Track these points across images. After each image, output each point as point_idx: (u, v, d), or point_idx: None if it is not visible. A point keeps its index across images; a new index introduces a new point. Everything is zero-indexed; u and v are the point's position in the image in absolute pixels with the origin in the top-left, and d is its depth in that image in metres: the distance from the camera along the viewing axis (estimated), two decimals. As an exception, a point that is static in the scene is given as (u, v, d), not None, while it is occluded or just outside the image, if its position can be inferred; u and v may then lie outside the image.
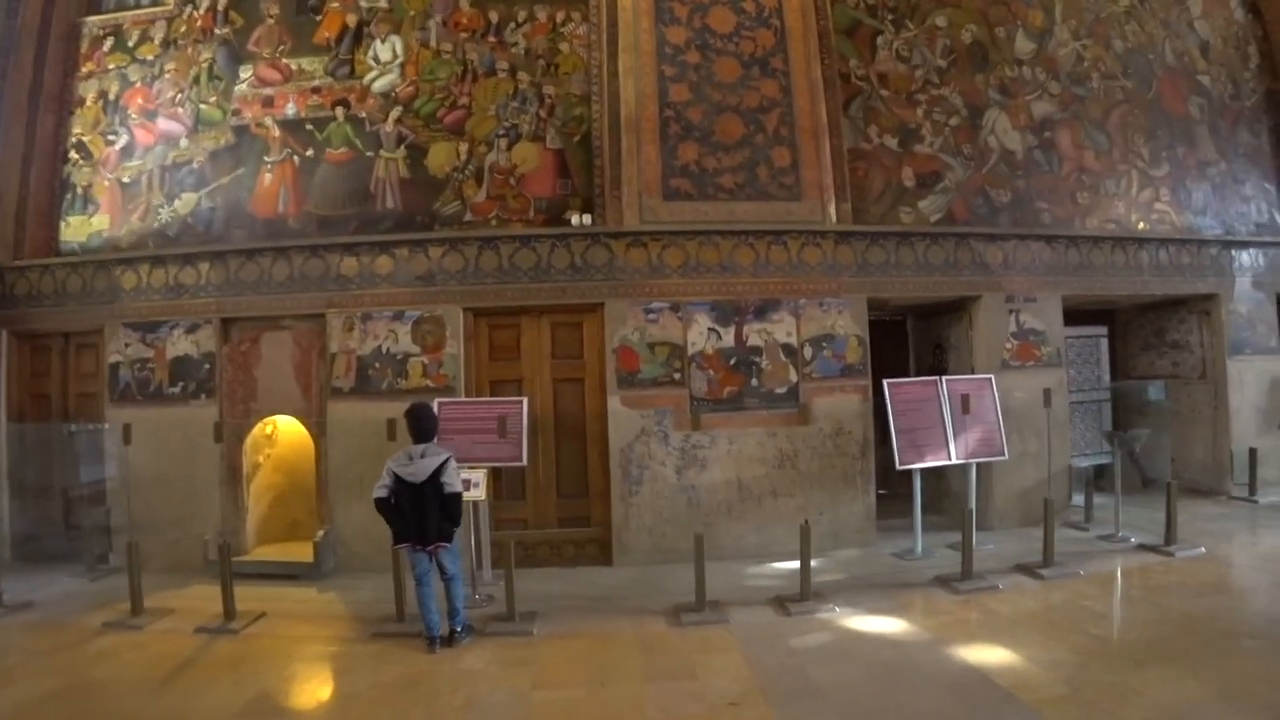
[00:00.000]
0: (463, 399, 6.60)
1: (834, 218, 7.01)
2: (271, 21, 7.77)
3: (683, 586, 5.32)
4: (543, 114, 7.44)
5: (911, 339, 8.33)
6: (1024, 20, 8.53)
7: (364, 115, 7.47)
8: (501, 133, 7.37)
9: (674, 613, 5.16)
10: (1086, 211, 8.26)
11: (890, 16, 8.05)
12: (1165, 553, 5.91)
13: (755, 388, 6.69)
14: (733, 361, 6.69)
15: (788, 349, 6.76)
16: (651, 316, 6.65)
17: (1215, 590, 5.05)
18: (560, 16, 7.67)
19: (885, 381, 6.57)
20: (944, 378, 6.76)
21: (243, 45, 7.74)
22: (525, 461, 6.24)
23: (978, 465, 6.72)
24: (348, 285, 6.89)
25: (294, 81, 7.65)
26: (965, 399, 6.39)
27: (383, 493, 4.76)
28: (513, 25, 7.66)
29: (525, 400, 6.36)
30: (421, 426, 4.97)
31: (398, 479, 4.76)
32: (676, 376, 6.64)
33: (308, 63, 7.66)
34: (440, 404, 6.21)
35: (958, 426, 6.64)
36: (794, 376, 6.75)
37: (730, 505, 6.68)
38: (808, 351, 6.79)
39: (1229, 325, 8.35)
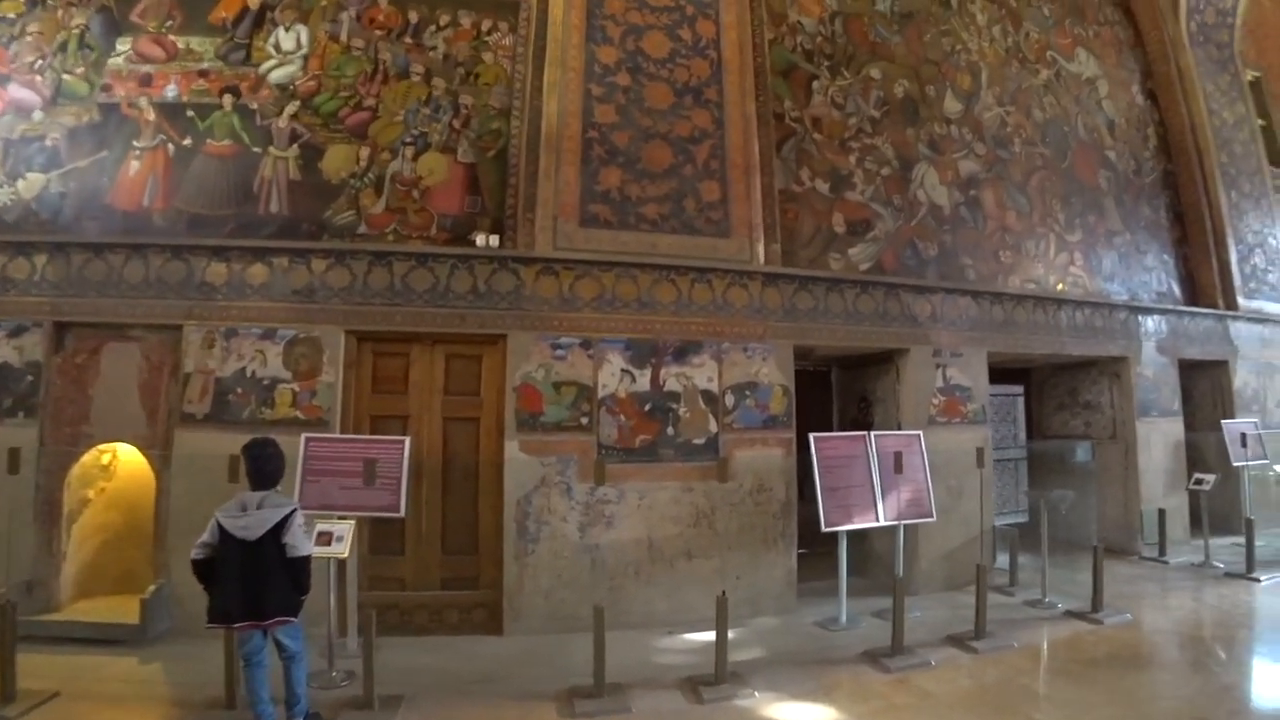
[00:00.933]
0: (336, 435, 5.34)
1: (762, 258, 6.21)
2: (160, -7, 6.48)
3: (581, 662, 4.34)
4: (456, 124, 6.40)
5: (836, 391, 7.57)
6: (953, 81, 8.17)
7: (255, 107, 6.24)
8: (408, 140, 6.28)
9: (567, 699, 4.06)
10: (1008, 270, 7.81)
11: (826, 63, 7.49)
12: (1094, 620, 5.43)
13: (671, 437, 5.71)
14: (647, 407, 5.70)
15: (708, 396, 5.83)
16: (559, 353, 5.61)
17: (1151, 663, 4.72)
18: (486, 24, 6.71)
19: (811, 435, 5.72)
20: (872, 433, 5.97)
21: (124, 15, 6.40)
22: (404, 512, 5.03)
23: (904, 527, 5.93)
24: (213, 294, 5.56)
25: (179, 61, 6.35)
26: (898, 457, 5.60)
27: (201, 553, 3.51)
28: (433, 28, 6.65)
29: (408, 441, 5.16)
30: (261, 468, 3.74)
31: (224, 535, 3.51)
32: (584, 421, 5.59)
33: (198, 43, 6.39)
34: (308, 440, 4.98)
35: (887, 485, 5.85)
36: (714, 426, 5.81)
37: (639, 567, 5.61)
38: (729, 400, 5.88)
39: (1137, 388, 8.01)
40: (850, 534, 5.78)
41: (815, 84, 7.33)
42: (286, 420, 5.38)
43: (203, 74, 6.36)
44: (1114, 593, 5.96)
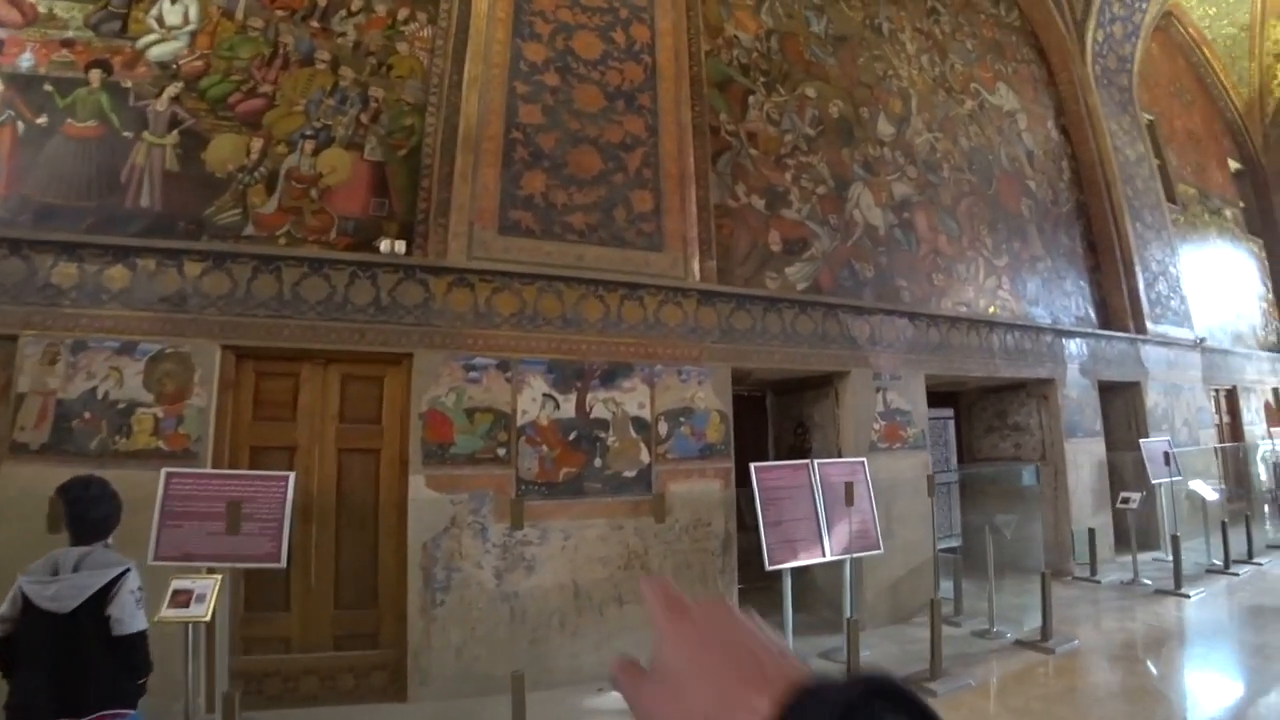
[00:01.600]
0: (205, 471, 4.33)
1: (698, 275, 5.60)
2: (22, -46, 5.36)
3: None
4: (364, 119, 5.54)
5: (771, 417, 7.03)
6: (885, 105, 7.91)
7: (129, 85, 5.20)
8: (309, 133, 5.37)
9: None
10: (941, 293, 7.52)
11: (763, 79, 7.05)
12: (1045, 649, 5.18)
13: (599, 469, 4.96)
14: (573, 436, 4.95)
15: (639, 423, 5.13)
16: (473, 375, 4.80)
17: (1112, 695, 4.44)
18: (403, 13, 5.91)
19: (753, 466, 5.09)
20: (815, 461, 5.41)
21: None
22: (284, 562, 4.08)
23: (851, 560, 5.37)
24: (59, 300, 4.47)
25: (38, 26, 5.23)
26: (849, 487, 5.04)
27: None
28: (344, 13, 5.79)
29: (292, 477, 4.21)
30: (83, 515, 2.79)
31: (28, 605, 2.56)
32: (501, 453, 4.77)
33: (64, 8, 5.29)
34: (169, 476, 3.98)
35: (833, 517, 5.28)
36: (646, 457, 5.11)
37: (564, 617, 4.81)
38: (663, 427, 5.20)
39: (1064, 409, 7.85)
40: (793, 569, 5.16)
41: (751, 99, 6.86)
42: (146, 451, 4.36)
43: (67, 44, 5.27)
44: (1056, 616, 5.64)
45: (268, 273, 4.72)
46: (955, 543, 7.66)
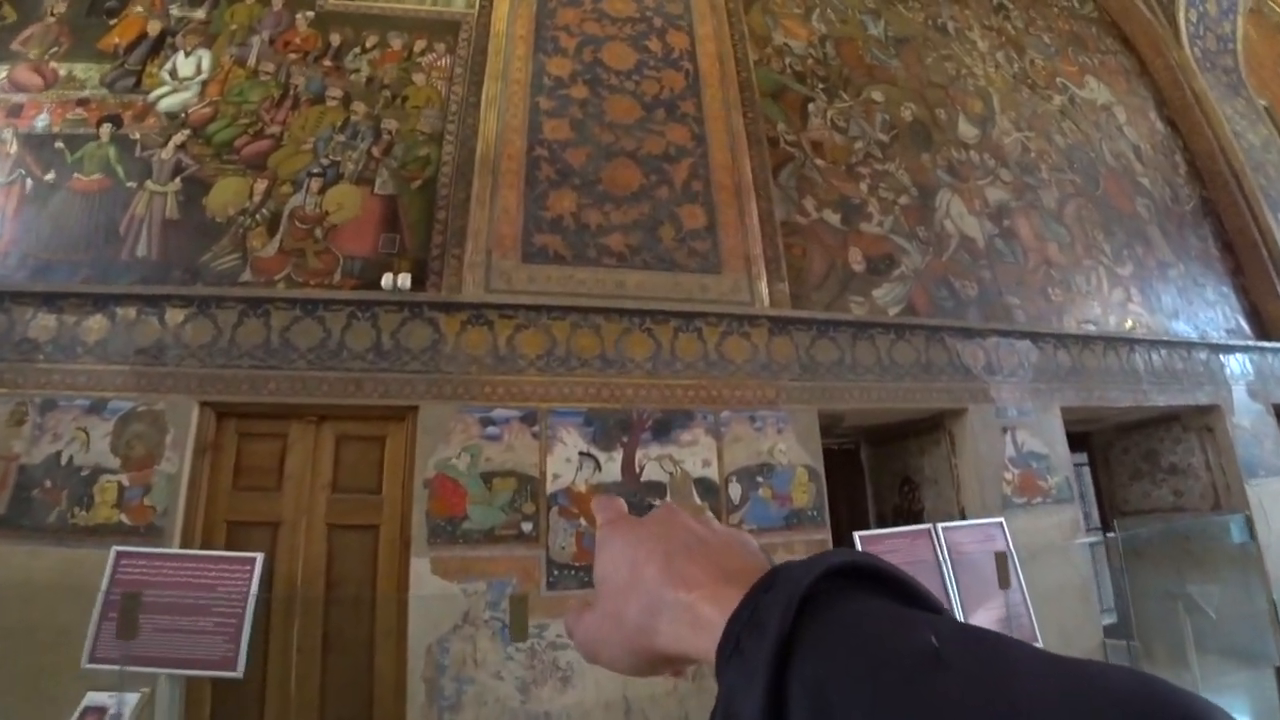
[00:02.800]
0: (158, 550, 3.28)
1: (766, 299, 4.32)
2: (53, 20, 5.04)
3: None
4: (376, 152, 4.71)
5: (868, 473, 5.47)
6: (963, 106, 6.59)
7: (137, 137, 4.62)
8: (316, 170, 4.58)
9: None
10: (1061, 309, 5.89)
11: (821, 85, 5.91)
12: None
13: None
14: None
15: (705, 486, 3.78)
16: (491, 431, 3.62)
17: None
18: (420, 45, 5.17)
19: (856, 536, 3.62)
20: (939, 526, 3.86)
21: (5, 43, 4.93)
22: (241, 670, 2.91)
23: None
24: (33, 354, 3.69)
25: (57, 89, 4.81)
26: (1001, 560, 3.48)
27: None
28: (358, 50, 5.11)
29: (259, 560, 3.11)
30: None
31: None
32: (526, 528, 3.51)
33: (82, 69, 4.89)
34: (118, 557, 2.97)
35: (969, 601, 3.68)
36: None
37: (613, 749, 3.37)
38: (735, 490, 3.81)
39: (1237, 442, 5.88)
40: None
41: (811, 106, 5.70)
42: (106, 526, 3.45)
43: (81, 103, 4.81)
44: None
45: (255, 317, 3.78)
46: (1108, 619, 5.69)
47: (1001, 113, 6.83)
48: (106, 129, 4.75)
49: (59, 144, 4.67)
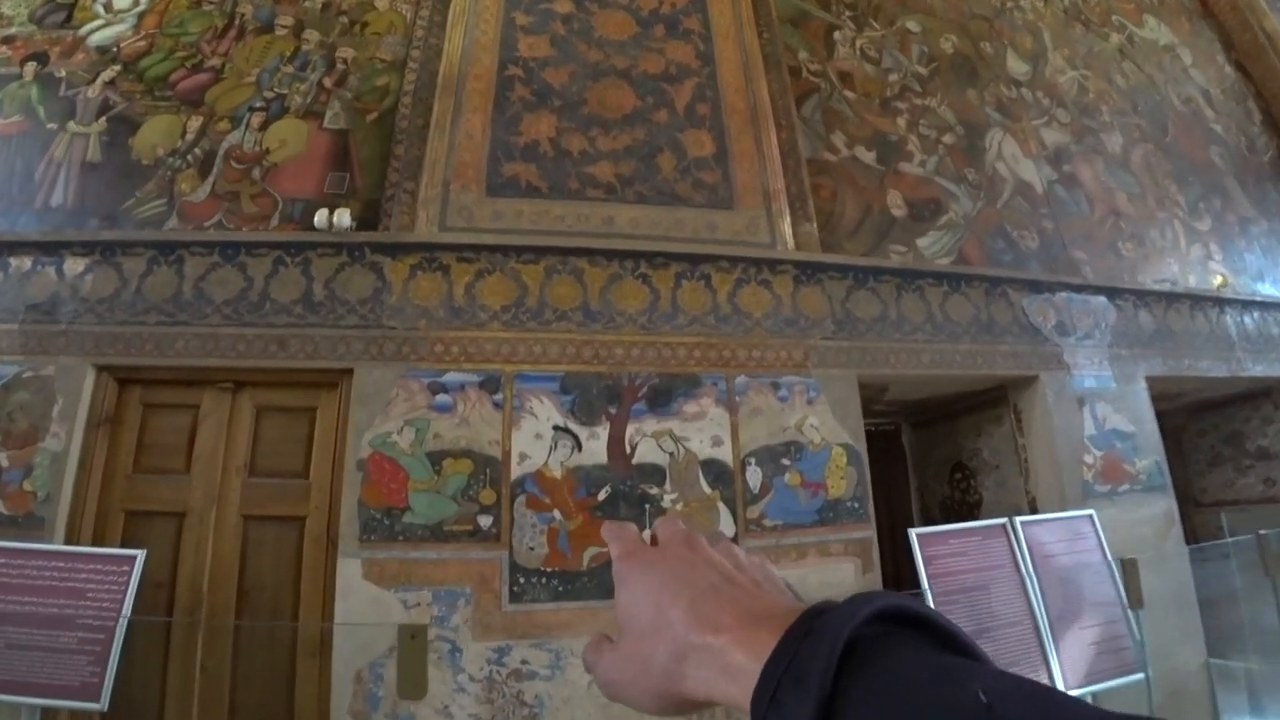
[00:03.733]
0: (17, 545, 2.43)
1: (790, 241, 3.32)
2: (-26, -40, 4.25)
3: None
4: (328, 83, 3.84)
5: (912, 458, 4.43)
6: (1011, 41, 5.50)
7: (63, 75, 3.85)
8: (258, 105, 3.72)
9: None
10: (1134, 266, 4.79)
11: (849, 13, 4.88)
12: None
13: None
14: (603, 495, 2.70)
15: (715, 470, 2.82)
16: (442, 400, 2.71)
17: None
18: (384, -29, 4.25)
19: (913, 533, 2.64)
20: (1018, 521, 2.86)
21: None
22: (104, 700, 2.06)
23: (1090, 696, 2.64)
24: None
25: None
26: (1133, 571, 2.49)
27: None
28: (314, -22, 4.22)
29: (140, 558, 2.26)
30: None
31: None
32: (485, 523, 2.60)
33: (10, 5, 4.16)
34: None
35: (1057, 616, 2.70)
36: (726, 524, 2.75)
37: (597, 809, 2.43)
38: (754, 475, 2.85)
39: (1347, 428, 4.74)
40: None
41: (837, 35, 4.69)
42: None
43: (7, 40, 4.04)
44: None
45: (167, 265, 2.95)
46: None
47: (1054, 49, 5.73)
48: (31, 67, 3.97)
49: (-21, 87, 3.91)
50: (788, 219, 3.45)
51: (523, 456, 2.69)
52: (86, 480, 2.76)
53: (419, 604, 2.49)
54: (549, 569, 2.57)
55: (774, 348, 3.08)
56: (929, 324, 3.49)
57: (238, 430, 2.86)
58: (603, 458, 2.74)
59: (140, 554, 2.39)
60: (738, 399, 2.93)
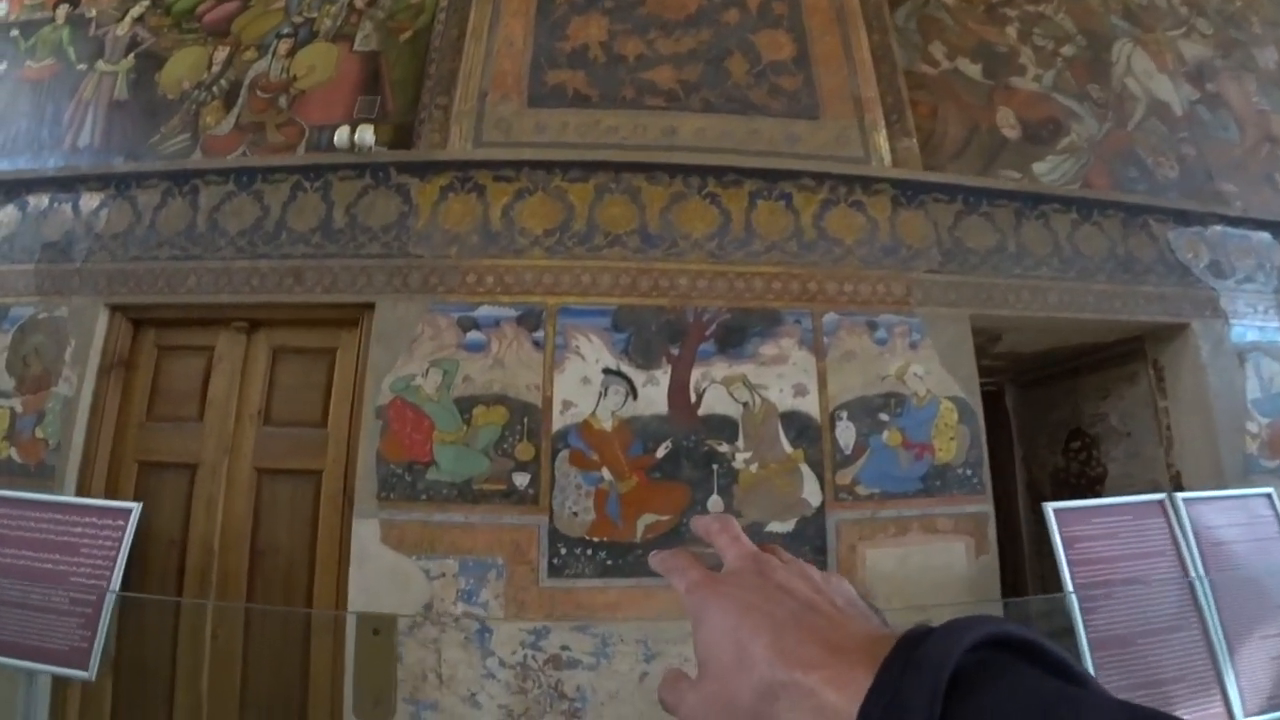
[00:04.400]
0: (19, 495, 2.11)
1: (887, 156, 2.63)
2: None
3: None
4: (360, 3, 3.35)
5: (1016, 424, 3.67)
6: (1137, -57, 4.45)
7: (93, 15, 3.56)
8: (286, 32, 3.29)
9: None
10: (1297, 204, 3.79)
11: (942, -88, 3.99)
12: None
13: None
14: (663, 451, 2.15)
15: (798, 424, 2.22)
16: (474, 338, 2.21)
17: None
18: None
19: (1050, 507, 1.97)
20: (1180, 497, 2.14)
21: None
22: (92, 670, 1.70)
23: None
24: None
25: None
26: None
27: None
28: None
29: (136, 511, 1.88)
30: None
31: None
32: (520, 482, 2.09)
33: None
34: None
35: (1231, 624, 1.98)
36: (813, 492, 2.15)
37: (652, 819, 1.94)
38: (845, 432, 2.24)
39: None
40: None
41: (930, -64, 3.80)
42: None
43: (40, -15, 3.72)
44: None
45: (180, 197, 2.57)
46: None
47: (1190, -47, 4.64)
48: (63, 10, 3.71)
49: (14, 33, 3.68)
50: (883, 131, 2.76)
51: (566, 405, 2.17)
52: (98, 428, 2.44)
53: (443, 574, 2.03)
54: (595, 539, 2.06)
55: (869, 280, 2.43)
56: (1055, 258, 2.75)
57: (252, 374, 2.46)
58: (662, 407, 2.19)
59: (135, 507, 2.03)
60: (826, 340, 2.31)
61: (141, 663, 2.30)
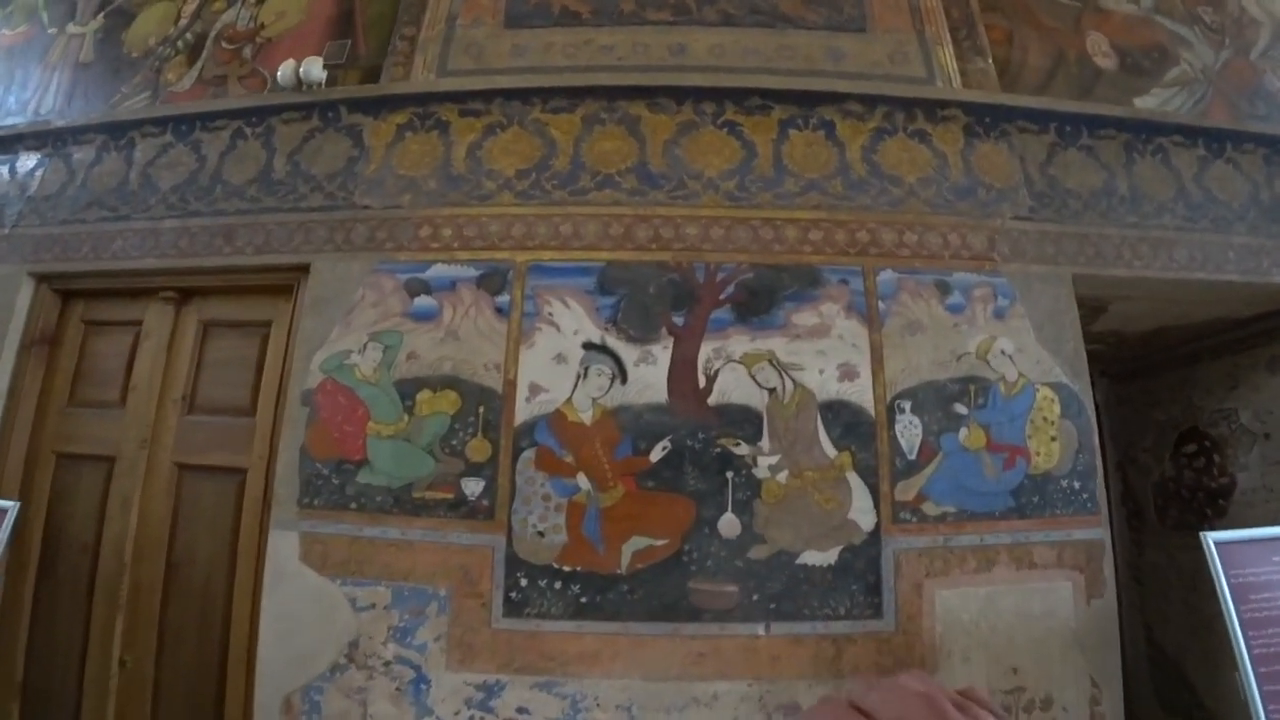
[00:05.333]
0: None
1: (956, 77, 1.91)
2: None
3: None
4: (337, -59, 2.82)
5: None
6: None
7: None
8: (258, -22, 2.79)
9: None
10: None
11: None
12: None
13: (733, 543, 1.43)
14: (658, 452, 1.51)
15: (844, 416, 1.55)
16: (423, 304, 1.63)
17: None
18: None
19: (1209, 537, 1.23)
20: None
21: None
22: None
23: None
24: None
25: None
26: None
27: None
28: None
29: (12, 510, 1.37)
30: None
31: None
32: (472, 489, 1.50)
33: None
34: None
35: None
36: (863, 513, 1.47)
37: None
38: (907, 428, 1.56)
39: None
40: None
41: None
42: None
43: (22, -47, 3.34)
44: None
45: (116, 151, 2.07)
46: None
47: None
48: (42, -27, 3.28)
49: (-2, -1, 3.29)
50: (949, 48, 2.06)
51: (535, 389, 1.57)
52: (15, 412, 1.97)
53: (373, 605, 1.47)
54: (567, 567, 1.46)
55: (939, 229, 1.75)
56: (1180, 202, 2.00)
57: (179, 353, 1.97)
58: (661, 394, 1.57)
59: (12, 506, 1.55)
60: (882, 306, 1.64)
61: (47, 691, 1.83)
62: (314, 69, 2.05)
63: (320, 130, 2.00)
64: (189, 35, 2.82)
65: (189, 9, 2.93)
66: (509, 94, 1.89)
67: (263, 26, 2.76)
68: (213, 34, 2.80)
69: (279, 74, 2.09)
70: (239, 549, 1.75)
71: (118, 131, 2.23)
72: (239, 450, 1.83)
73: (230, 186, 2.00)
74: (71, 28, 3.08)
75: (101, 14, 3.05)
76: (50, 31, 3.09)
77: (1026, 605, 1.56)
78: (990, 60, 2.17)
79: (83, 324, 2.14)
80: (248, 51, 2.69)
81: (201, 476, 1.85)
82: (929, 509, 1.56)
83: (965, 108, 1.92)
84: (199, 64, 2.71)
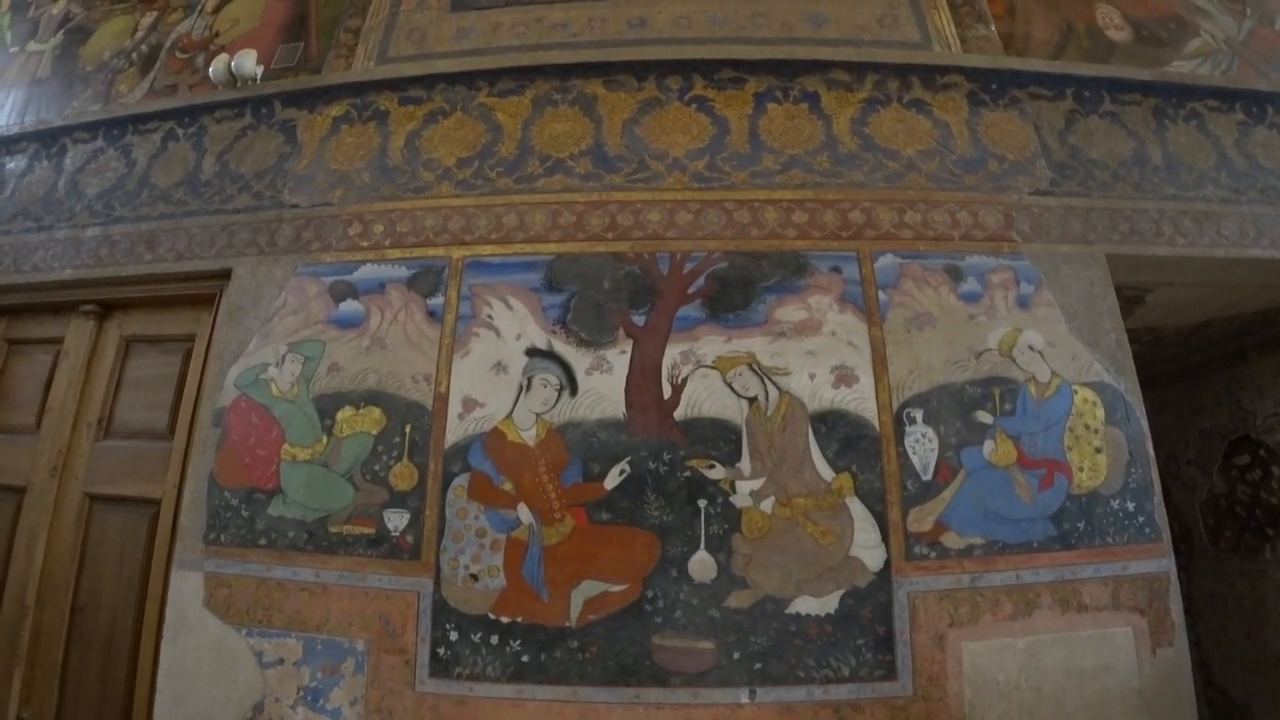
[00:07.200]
0: None
1: (956, 42, 1.64)
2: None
3: None
4: (297, -53, 2.66)
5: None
6: None
7: None
8: (218, -13, 2.64)
9: None
10: None
11: None
12: None
13: (709, 588, 1.12)
14: (614, 478, 1.20)
15: (842, 429, 1.24)
16: (349, 310, 1.35)
17: None
18: None
19: None
20: None
21: None
22: None
23: None
24: None
25: None
26: None
27: None
28: None
29: None
30: None
31: None
32: (395, 523, 1.21)
33: None
34: None
35: None
36: (865, 543, 1.15)
37: None
38: (920, 442, 1.24)
39: None
40: None
41: None
42: None
43: (-6, -21, 3.27)
44: None
45: (46, 159, 1.86)
46: None
47: None
48: (8, -3, 3.22)
49: (-40, 26, 3.22)
50: (945, 11, 1.79)
51: (469, 404, 1.30)
52: None
53: (281, 659, 1.18)
54: (505, 618, 1.16)
55: (945, 206, 1.46)
56: (1222, 171, 1.69)
57: (98, 372, 1.73)
58: (617, 407, 1.28)
59: None
60: (883, 296, 1.35)
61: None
62: (246, 63, 1.84)
63: (253, 128, 1.78)
64: (144, 47, 2.68)
65: (146, 22, 2.80)
66: (452, 78, 1.66)
67: (217, 35, 2.60)
68: (167, 45, 2.65)
69: (211, 70, 1.88)
70: (148, 591, 1.48)
71: (49, 139, 2.04)
72: (153, 479, 1.57)
73: (157, 190, 1.78)
74: (32, 45, 2.97)
75: (61, 31, 2.95)
76: (12, 50, 2.98)
77: (1077, 659, 1.23)
78: (993, 27, 1.91)
79: (5, 343, 1.92)
80: (200, 60, 2.52)
81: (111, 508, 1.59)
82: (951, 541, 1.24)
83: (968, 74, 1.65)
84: (151, 74, 2.55)
